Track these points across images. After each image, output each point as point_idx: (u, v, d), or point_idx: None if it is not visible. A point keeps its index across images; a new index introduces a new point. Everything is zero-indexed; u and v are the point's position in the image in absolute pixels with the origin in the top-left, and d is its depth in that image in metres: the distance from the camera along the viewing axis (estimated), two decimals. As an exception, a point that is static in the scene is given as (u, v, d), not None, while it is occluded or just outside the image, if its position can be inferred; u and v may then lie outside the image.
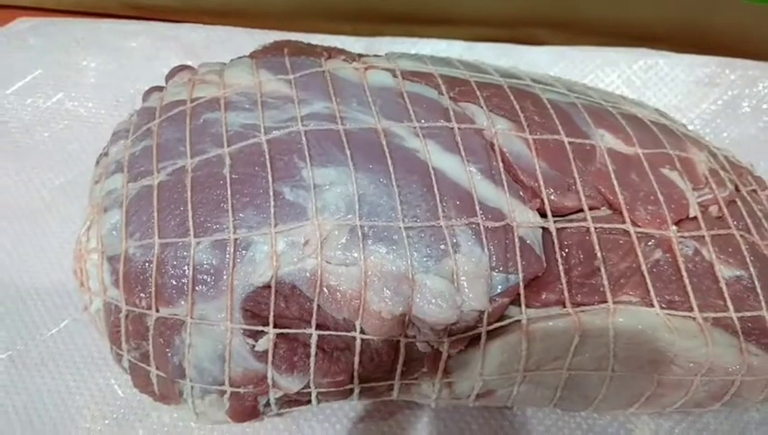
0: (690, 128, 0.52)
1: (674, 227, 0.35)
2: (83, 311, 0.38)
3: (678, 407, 0.36)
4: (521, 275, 0.32)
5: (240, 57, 0.41)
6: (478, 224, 0.33)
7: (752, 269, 0.35)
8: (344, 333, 0.32)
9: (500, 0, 0.55)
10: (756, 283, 0.35)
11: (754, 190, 0.40)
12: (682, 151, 0.38)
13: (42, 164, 0.54)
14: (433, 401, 0.37)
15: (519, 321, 0.33)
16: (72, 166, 0.53)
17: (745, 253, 0.35)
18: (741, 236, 0.36)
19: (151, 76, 0.45)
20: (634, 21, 0.54)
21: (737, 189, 0.39)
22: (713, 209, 0.37)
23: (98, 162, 0.40)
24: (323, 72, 0.38)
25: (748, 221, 0.37)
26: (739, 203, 0.38)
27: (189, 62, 0.44)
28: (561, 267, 0.33)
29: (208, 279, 0.32)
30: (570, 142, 0.36)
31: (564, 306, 0.33)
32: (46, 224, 0.51)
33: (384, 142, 0.34)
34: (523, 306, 0.33)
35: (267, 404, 0.35)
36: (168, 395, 0.35)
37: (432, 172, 0.34)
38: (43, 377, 0.45)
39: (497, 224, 0.33)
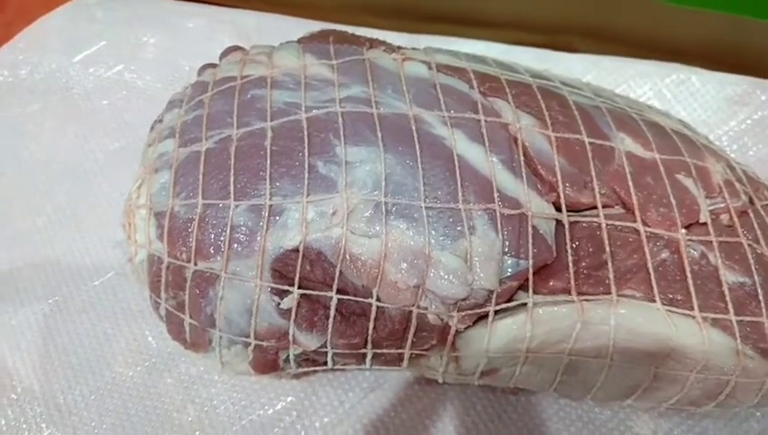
0: (717, 144, 0.53)
1: (683, 230, 0.36)
2: (128, 262, 0.41)
3: (674, 403, 0.37)
4: (531, 262, 0.35)
5: (288, 42, 0.44)
6: (495, 210, 0.35)
7: (756, 277, 0.36)
8: (362, 300, 0.35)
9: (539, 6, 0.57)
10: (759, 290, 0.36)
11: (769, 205, 0.41)
12: (699, 160, 0.39)
13: (99, 129, 0.58)
14: (440, 375, 0.39)
15: (525, 304, 0.35)
16: (126, 133, 0.57)
17: (751, 261, 0.37)
18: (749, 245, 0.37)
19: (205, 55, 0.49)
20: (670, 36, 0.56)
21: (752, 202, 0.40)
22: (724, 217, 0.38)
23: (152, 128, 0.43)
24: (364, 59, 0.41)
25: (758, 232, 0.38)
26: (751, 215, 0.39)
27: (241, 45, 0.48)
28: (570, 258, 0.35)
29: (243, 239, 0.36)
30: (590, 142, 0.38)
31: (570, 294, 0.35)
32: (98, 184, 0.55)
33: (414, 128, 0.37)
34: (531, 291, 0.35)
35: (287, 360, 0.38)
36: (198, 343, 0.38)
37: (456, 159, 0.36)
38: (83, 323, 0.49)
39: (513, 212, 0.35)
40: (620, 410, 0.45)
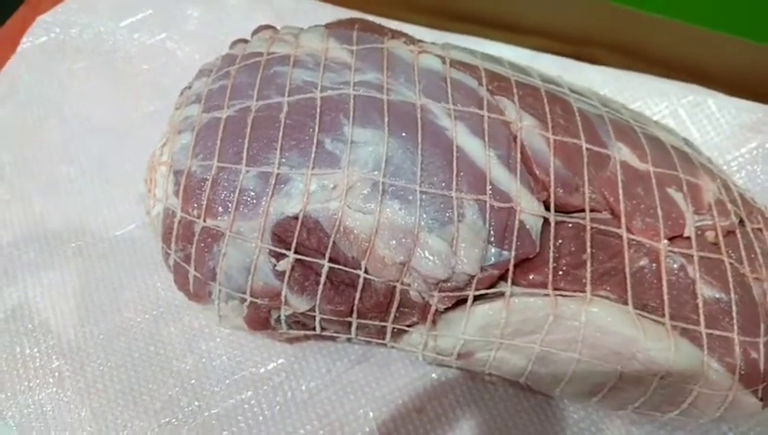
0: (725, 168, 0.54)
1: (665, 241, 0.38)
2: (146, 214, 0.45)
3: (638, 407, 0.39)
4: (513, 253, 0.37)
5: (316, 25, 0.47)
6: (485, 201, 0.37)
7: (733, 295, 0.38)
8: (351, 270, 0.37)
9: (568, 17, 0.59)
10: (734, 308, 0.37)
11: (760, 229, 0.42)
12: (692, 177, 0.41)
13: (136, 92, 0.62)
14: (420, 353, 0.41)
15: (503, 292, 0.37)
16: (161, 98, 0.61)
17: (730, 279, 0.38)
18: (731, 264, 0.39)
19: (242, 32, 0.51)
20: (691, 57, 0.56)
21: (742, 224, 0.41)
22: (709, 235, 0.39)
23: (182, 93, 0.47)
24: (383, 48, 0.43)
25: (743, 253, 0.40)
26: (739, 235, 0.40)
27: (276, 25, 0.50)
28: (551, 255, 0.37)
29: (249, 202, 0.38)
30: (587, 148, 0.40)
31: (546, 288, 0.37)
32: (130, 143, 0.59)
33: (419, 116, 0.39)
34: (510, 280, 0.37)
35: (278, 320, 0.41)
36: (200, 295, 0.41)
37: (455, 149, 0.38)
38: (101, 269, 0.53)
39: (503, 205, 0.37)
40: (594, 411, 0.47)
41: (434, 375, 0.48)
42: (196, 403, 0.47)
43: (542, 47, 0.59)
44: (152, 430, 0.46)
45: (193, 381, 0.48)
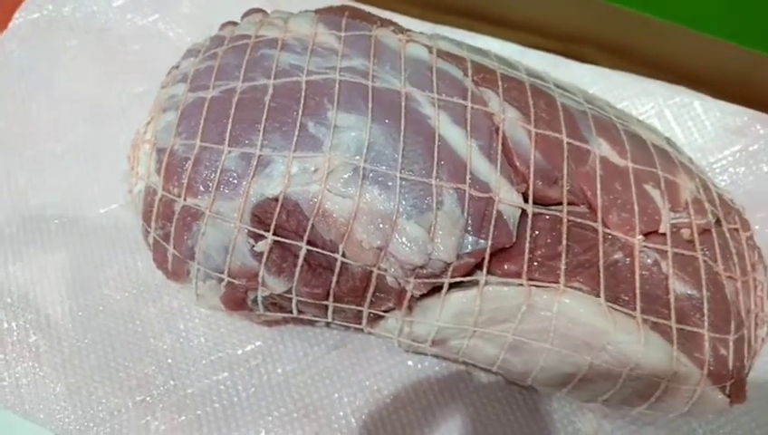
0: (708, 170, 0.54)
1: (640, 237, 0.38)
2: (129, 192, 0.45)
3: (608, 399, 0.39)
4: (489, 242, 0.37)
5: (306, 11, 0.47)
6: (464, 190, 0.37)
7: (705, 292, 0.38)
8: (329, 253, 0.38)
9: (558, 14, 0.59)
10: (705, 304, 0.38)
11: (737, 229, 0.43)
12: (671, 175, 0.41)
13: (126, 72, 0.61)
14: (396, 339, 0.42)
15: (478, 281, 0.37)
16: (150, 79, 0.60)
17: (703, 276, 0.38)
18: (704, 261, 0.39)
19: (235, 15, 0.51)
20: (679, 59, 0.57)
21: (719, 223, 0.42)
22: (685, 232, 0.40)
23: (169, 72, 0.47)
24: (371, 36, 0.43)
25: (717, 252, 0.40)
26: (714, 234, 0.41)
27: (268, 10, 0.50)
28: (527, 245, 0.37)
29: (230, 182, 0.38)
30: (568, 143, 0.40)
31: (521, 278, 0.37)
32: (117, 123, 0.59)
33: (403, 104, 0.39)
34: (485, 269, 0.37)
35: (255, 301, 0.41)
36: (178, 273, 0.42)
37: (437, 138, 0.39)
38: (83, 245, 0.53)
39: (482, 195, 0.38)
40: (567, 404, 0.47)
41: (410, 362, 0.48)
42: (172, 382, 0.47)
43: (532, 43, 0.59)
44: (126, 407, 0.46)
45: (169, 361, 0.48)
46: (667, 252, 0.38)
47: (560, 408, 0.47)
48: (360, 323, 0.41)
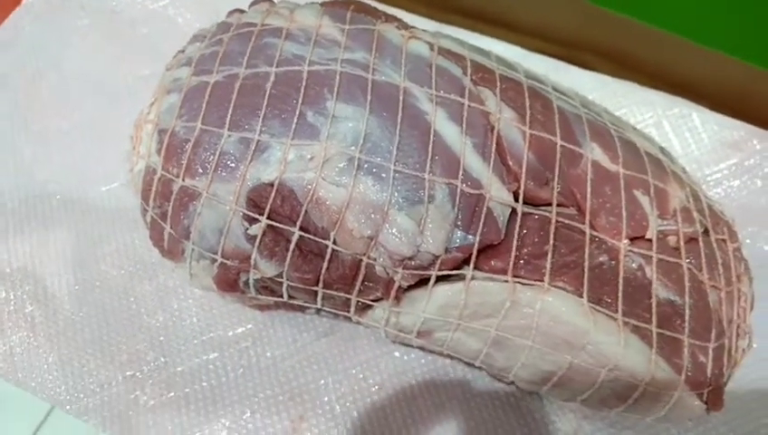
0: (703, 182, 0.55)
1: (626, 241, 0.39)
2: (129, 170, 0.46)
3: (586, 399, 0.40)
4: (477, 238, 0.38)
5: (313, 2, 0.48)
6: (456, 186, 0.38)
7: (687, 299, 0.39)
8: (320, 240, 0.38)
9: (563, 20, 0.59)
10: (687, 311, 0.39)
11: (724, 240, 0.43)
12: (660, 183, 0.42)
13: (134, 55, 0.62)
14: (383, 328, 0.43)
15: (465, 275, 0.38)
16: (157, 63, 0.61)
17: (687, 284, 0.39)
18: (689, 269, 0.40)
19: (244, 4, 0.52)
20: (681, 71, 0.57)
21: (707, 233, 0.42)
22: (671, 239, 0.40)
23: (175, 56, 0.48)
24: (374, 30, 0.44)
25: (703, 261, 0.41)
26: (701, 243, 0.41)
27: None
28: (515, 243, 0.38)
29: (228, 166, 0.39)
30: (561, 145, 0.41)
31: (507, 274, 0.38)
32: (124, 103, 0.60)
33: (401, 98, 0.40)
34: (472, 264, 0.38)
35: (247, 284, 0.42)
36: (173, 252, 0.43)
37: (432, 133, 0.39)
38: (83, 222, 0.54)
39: (473, 191, 0.38)
40: (548, 403, 0.48)
41: (396, 354, 0.49)
42: (163, 359, 0.48)
43: (535, 47, 0.60)
44: (116, 380, 0.47)
45: (161, 338, 0.49)
46: (652, 257, 0.39)
47: (541, 407, 0.48)
48: (348, 311, 0.42)
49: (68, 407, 0.47)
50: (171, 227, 0.41)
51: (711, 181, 0.55)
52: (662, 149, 0.47)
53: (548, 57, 0.60)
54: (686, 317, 0.39)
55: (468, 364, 0.48)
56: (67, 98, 0.60)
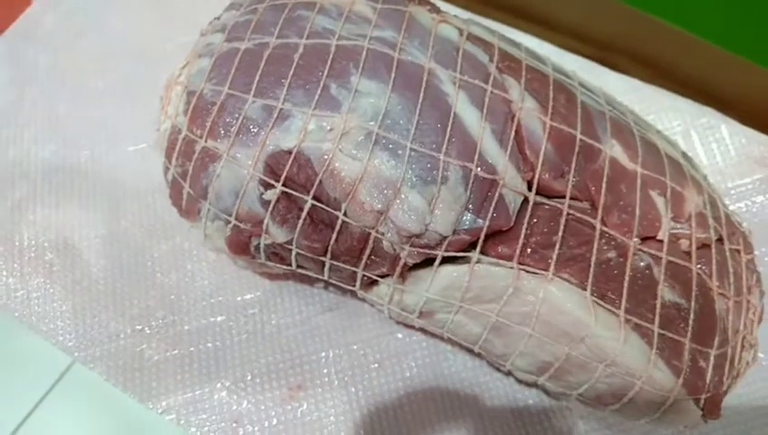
0: (725, 194, 0.54)
1: (636, 239, 0.39)
2: (156, 130, 0.47)
3: (582, 393, 0.40)
4: (487, 223, 0.38)
5: (349, -20, 0.49)
6: (471, 170, 0.38)
7: (693, 304, 0.38)
8: (331, 211, 0.39)
9: (598, 20, 0.59)
10: (692, 315, 0.38)
11: (738, 251, 0.43)
12: (678, 186, 0.41)
13: (174, 21, 0.64)
14: (386, 306, 0.43)
15: (471, 258, 0.38)
16: (195, 31, 0.62)
17: (694, 289, 0.39)
18: (698, 274, 0.39)
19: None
20: (713, 81, 0.57)
21: (720, 241, 0.42)
22: (684, 243, 0.40)
23: (210, 22, 0.49)
24: (406, 11, 0.45)
25: (714, 268, 0.40)
26: (714, 250, 0.41)
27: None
28: (523, 231, 0.38)
29: (250, 130, 0.40)
30: (581, 139, 0.41)
31: (512, 261, 0.38)
32: (159, 68, 0.60)
33: (425, 78, 0.41)
34: (479, 247, 0.38)
35: (257, 248, 0.43)
36: (190, 211, 0.44)
37: (452, 115, 0.40)
38: (108, 179, 0.56)
39: (487, 176, 0.39)
40: (546, 399, 0.48)
41: (399, 335, 0.49)
42: (171, 317, 0.50)
43: (570, 46, 0.60)
44: (125, 333, 0.49)
45: (172, 297, 0.50)
46: (661, 258, 0.39)
47: (539, 402, 0.48)
48: (354, 285, 0.43)
49: (76, 354, 0.48)
50: (190, 187, 0.42)
51: (734, 194, 0.55)
52: (684, 155, 0.46)
53: (581, 57, 0.59)
54: (690, 321, 0.38)
55: (469, 352, 0.48)
56: (105, 59, 0.62)
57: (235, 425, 0.46)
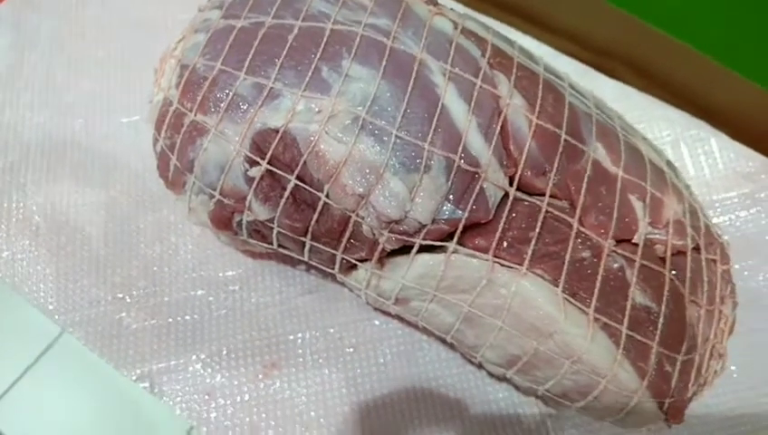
0: (709, 207, 0.55)
1: (611, 241, 0.39)
2: (149, 102, 0.47)
3: (549, 388, 0.41)
4: (466, 214, 0.38)
5: (350, -33, 0.49)
6: (454, 161, 0.39)
7: (664, 308, 0.39)
8: (314, 191, 0.40)
9: (597, 26, 0.60)
10: (661, 320, 0.39)
11: (714, 261, 0.43)
12: (658, 192, 0.42)
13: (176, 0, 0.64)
14: (363, 291, 0.44)
15: (447, 248, 0.39)
16: (196, 8, 0.63)
17: (665, 294, 0.39)
18: (671, 280, 0.40)
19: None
20: (707, 93, 0.57)
21: (698, 250, 0.42)
22: (659, 248, 0.41)
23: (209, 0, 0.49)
24: (403, 1, 0.45)
25: (687, 275, 0.41)
26: (689, 258, 0.41)
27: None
28: (501, 226, 0.39)
29: (239, 107, 0.40)
30: (565, 139, 0.41)
31: (488, 253, 0.38)
32: (158, 43, 0.60)
33: (415, 68, 0.41)
34: (456, 238, 0.39)
35: (240, 225, 0.43)
36: (176, 183, 0.44)
37: (440, 106, 0.40)
38: (100, 148, 0.56)
39: (470, 168, 0.39)
40: (516, 394, 0.49)
41: (376, 322, 0.50)
42: (153, 288, 0.50)
43: (567, 49, 0.60)
44: (106, 300, 0.49)
45: (155, 268, 0.51)
46: (635, 261, 0.39)
47: (508, 397, 0.49)
48: (333, 268, 0.43)
49: (56, 317, 0.49)
50: (177, 159, 0.43)
51: (719, 207, 0.55)
52: (669, 163, 0.47)
53: (577, 61, 0.60)
54: (660, 325, 0.39)
55: (443, 343, 0.48)
56: (106, 30, 0.62)
57: (207, 397, 0.47)
